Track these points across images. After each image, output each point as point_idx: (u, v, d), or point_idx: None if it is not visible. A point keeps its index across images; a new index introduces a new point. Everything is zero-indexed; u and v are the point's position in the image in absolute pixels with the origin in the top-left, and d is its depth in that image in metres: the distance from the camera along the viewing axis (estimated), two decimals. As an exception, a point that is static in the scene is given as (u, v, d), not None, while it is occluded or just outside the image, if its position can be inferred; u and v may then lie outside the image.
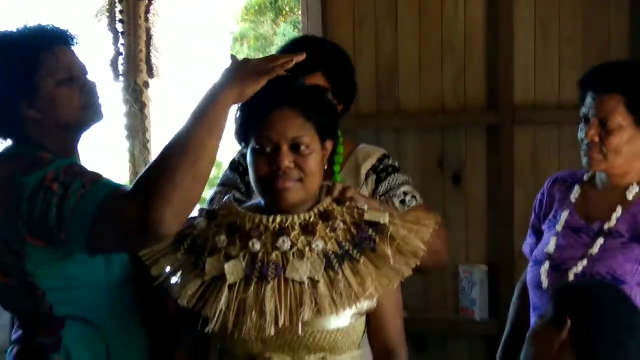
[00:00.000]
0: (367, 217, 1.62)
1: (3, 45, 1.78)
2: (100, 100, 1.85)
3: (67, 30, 1.82)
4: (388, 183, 2.09)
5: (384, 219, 1.61)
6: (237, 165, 2.18)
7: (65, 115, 1.78)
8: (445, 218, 3.12)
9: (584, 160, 1.96)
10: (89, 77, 1.85)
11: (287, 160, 1.56)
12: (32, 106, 1.76)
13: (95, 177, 1.64)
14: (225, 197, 1.86)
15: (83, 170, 1.67)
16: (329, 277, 1.54)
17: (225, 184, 2.16)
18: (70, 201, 1.58)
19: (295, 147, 1.58)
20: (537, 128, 3.18)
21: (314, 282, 1.53)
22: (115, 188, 1.61)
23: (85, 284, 1.74)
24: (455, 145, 3.27)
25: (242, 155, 2.17)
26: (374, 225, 1.61)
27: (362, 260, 1.56)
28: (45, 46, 1.78)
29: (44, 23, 1.81)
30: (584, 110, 1.95)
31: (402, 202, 2.03)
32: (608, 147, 1.90)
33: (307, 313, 1.50)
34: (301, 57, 1.64)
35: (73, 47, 1.84)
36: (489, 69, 3.20)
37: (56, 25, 1.83)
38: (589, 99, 1.93)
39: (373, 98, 3.27)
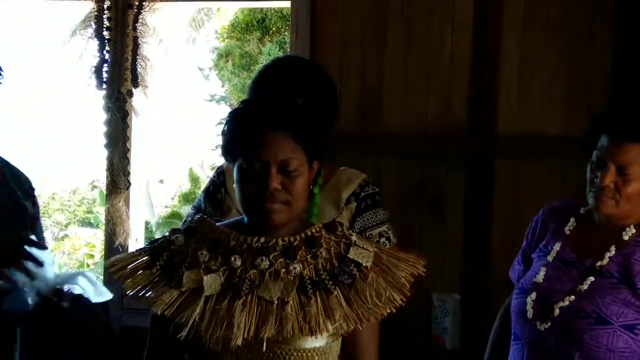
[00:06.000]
0: (351, 255, 1.61)
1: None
2: None
3: None
4: (367, 219, 2.08)
5: (368, 260, 1.60)
6: (212, 195, 2.16)
7: None
8: (421, 245, 3.13)
9: (592, 201, 1.93)
10: None
11: (275, 182, 1.55)
12: None
13: None
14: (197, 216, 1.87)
15: None
16: (300, 300, 1.53)
17: (199, 209, 2.15)
18: None
19: (283, 168, 1.56)
20: (518, 159, 3.20)
21: (283, 303, 1.52)
22: None
23: None
24: (435, 173, 3.26)
25: (214, 183, 2.16)
26: (358, 262, 1.60)
27: (335, 293, 1.55)
28: None
29: None
30: (598, 152, 1.91)
31: (377, 242, 1.99)
32: (622, 195, 1.88)
33: (268, 331, 1.49)
34: None
35: None
36: (473, 98, 3.22)
37: None
38: (604, 142, 1.90)
39: (358, 120, 3.27)
